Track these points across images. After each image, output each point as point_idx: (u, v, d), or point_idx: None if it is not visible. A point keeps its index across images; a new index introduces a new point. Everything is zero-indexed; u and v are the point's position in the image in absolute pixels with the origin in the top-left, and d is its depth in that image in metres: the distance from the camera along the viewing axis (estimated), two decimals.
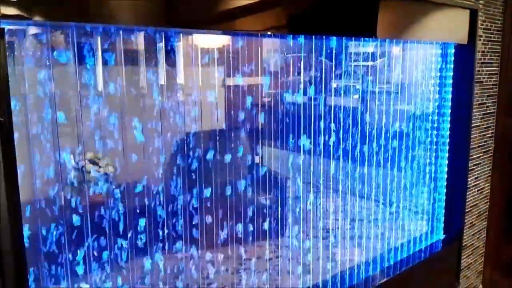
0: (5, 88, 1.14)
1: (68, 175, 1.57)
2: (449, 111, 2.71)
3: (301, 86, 2.06)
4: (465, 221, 2.84)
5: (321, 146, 2.14)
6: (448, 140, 2.74)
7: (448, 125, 2.72)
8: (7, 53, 1.20)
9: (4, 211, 1.10)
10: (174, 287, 1.83)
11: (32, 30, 1.35)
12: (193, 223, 1.83)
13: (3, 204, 1.11)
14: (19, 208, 1.19)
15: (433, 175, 2.79)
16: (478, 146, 2.82)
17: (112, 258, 1.65)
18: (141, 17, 1.38)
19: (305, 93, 2.08)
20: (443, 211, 2.83)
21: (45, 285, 1.53)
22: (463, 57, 2.65)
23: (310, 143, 2.10)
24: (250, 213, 2.03)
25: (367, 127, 2.34)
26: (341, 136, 2.22)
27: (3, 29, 1.13)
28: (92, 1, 1.24)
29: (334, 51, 2.10)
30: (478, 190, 2.91)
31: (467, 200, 2.80)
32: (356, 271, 2.39)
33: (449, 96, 2.70)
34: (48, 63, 1.38)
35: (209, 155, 1.88)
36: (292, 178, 2.11)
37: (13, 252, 1.14)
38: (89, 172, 1.68)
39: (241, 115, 1.97)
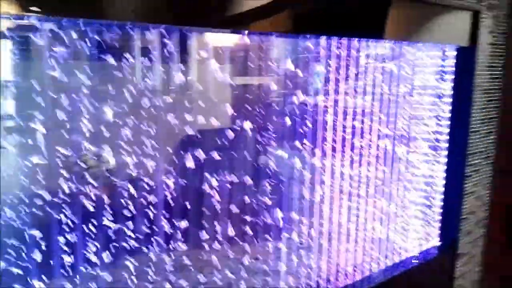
0: None
1: (70, 169, 1.57)
2: (449, 115, 2.64)
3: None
4: (462, 228, 2.76)
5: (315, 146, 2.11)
6: (446, 145, 2.68)
7: (447, 130, 2.66)
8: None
9: None
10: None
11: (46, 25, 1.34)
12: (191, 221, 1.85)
13: None
14: None
15: (429, 180, 2.72)
16: (478, 152, 2.74)
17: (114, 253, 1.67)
18: (148, 14, 1.37)
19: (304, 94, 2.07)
20: (439, 217, 2.77)
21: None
22: (464, 60, 2.58)
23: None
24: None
25: (360, 129, 2.29)
26: (335, 137, 2.18)
27: None
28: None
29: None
30: (476, 197, 2.82)
31: (464, 207, 2.72)
32: (344, 276, 2.34)
33: (449, 100, 2.64)
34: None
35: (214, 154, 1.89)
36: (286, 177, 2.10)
37: None
38: (91, 167, 1.69)
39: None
